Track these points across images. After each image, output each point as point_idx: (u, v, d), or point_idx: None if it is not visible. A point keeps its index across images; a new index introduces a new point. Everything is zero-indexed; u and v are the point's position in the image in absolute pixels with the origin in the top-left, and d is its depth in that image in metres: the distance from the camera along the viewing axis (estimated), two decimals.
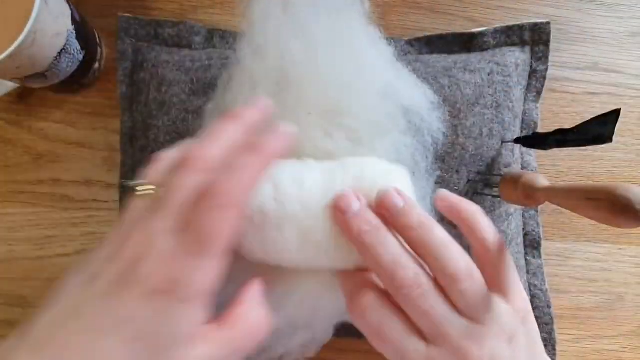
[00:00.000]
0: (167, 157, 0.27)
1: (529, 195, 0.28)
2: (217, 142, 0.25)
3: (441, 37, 0.39)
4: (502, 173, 0.34)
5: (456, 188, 0.34)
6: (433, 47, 0.39)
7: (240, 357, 0.25)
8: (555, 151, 0.39)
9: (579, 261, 0.39)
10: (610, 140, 0.27)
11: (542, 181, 0.28)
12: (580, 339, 0.39)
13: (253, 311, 0.25)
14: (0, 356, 0.23)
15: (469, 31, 0.39)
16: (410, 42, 0.39)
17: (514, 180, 0.29)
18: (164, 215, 0.24)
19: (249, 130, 0.26)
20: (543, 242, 0.38)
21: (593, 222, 0.39)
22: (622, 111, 0.27)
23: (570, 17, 0.41)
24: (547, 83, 0.40)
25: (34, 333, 0.23)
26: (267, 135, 0.25)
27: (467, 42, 0.39)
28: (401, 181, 0.27)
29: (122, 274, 0.23)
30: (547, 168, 0.40)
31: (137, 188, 0.25)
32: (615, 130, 0.27)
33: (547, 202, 0.29)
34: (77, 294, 0.24)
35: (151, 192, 0.25)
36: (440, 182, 0.34)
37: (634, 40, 0.41)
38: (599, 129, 0.27)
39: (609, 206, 0.22)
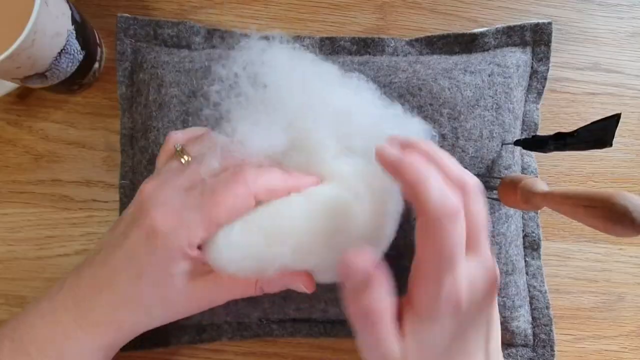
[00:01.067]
0: (208, 136, 0.31)
1: (528, 200, 0.28)
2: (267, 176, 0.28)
3: (442, 38, 0.39)
4: (502, 175, 0.34)
5: None
6: (434, 47, 0.39)
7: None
8: (556, 152, 0.40)
9: (579, 261, 0.39)
10: (610, 144, 0.27)
11: (541, 186, 0.28)
12: (580, 339, 0.39)
13: None
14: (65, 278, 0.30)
15: (470, 31, 0.39)
16: (410, 43, 0.39)
17: (513, 185, 0.29)
18: (185, 177, 0.28)
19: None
20: (543, 243, 0.38)
21: None
22: (624, 111, 0.27)
23: (571, 17, 0.41)
24: (548, 83, 0.40)
25: (83, 262, 0.30)
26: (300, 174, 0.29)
27: (468, 43, 0.39)
28: None
29: (132, 218, 0.28)
30: (547, 168, 0.40)
31: (184, 156, 0.30)
32: (617, 130, 0.27)
33: None
34: (109, 234, 0.30)
35: (187, 159, 0.30)
36: None
37: (634, 40, 0.41)
38: (599, 133, 0.27)
39: (606, 214, 0.22)
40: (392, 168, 0.25)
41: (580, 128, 0.28)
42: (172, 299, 0.29)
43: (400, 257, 0.28)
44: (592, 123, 0.27)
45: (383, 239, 0.29)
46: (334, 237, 0.27)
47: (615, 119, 0.26)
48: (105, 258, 0.29)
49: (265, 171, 0.28)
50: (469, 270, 0.25)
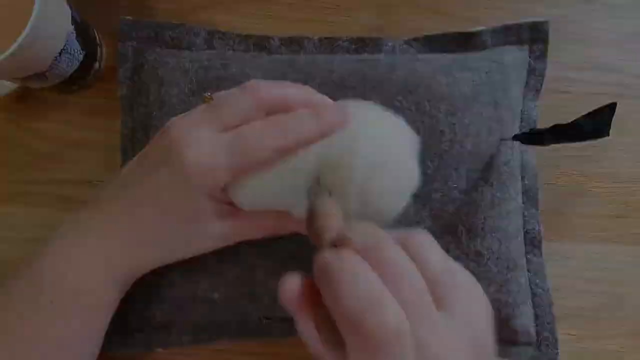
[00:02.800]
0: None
1: None
2: (279, 89, 0.29)
3: (439, 37, 0.39)
4: (501, 171, 0.34)
5: (455, 185, 0.34)
6: (431, 46, 0.39)
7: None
8: (556, 152, 0.40)
9: (580, 261, 0.39)
10: (608, 134, 0.26)
11: None
12: (582, 339, 0.39)
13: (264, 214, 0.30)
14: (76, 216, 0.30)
15: (468, 30, 0.39)
16: (408, 42, 0.39)
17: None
18: (209, 121, 0.28)
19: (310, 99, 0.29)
20: (544, 243, 0.38)
21: (593, 221, 0.39)
22: (623, 111, 0.26)
23: (571, 17, 0.41)
24: (548, 83, 0.40)
25: (101, 195, 0.30)
26: (329, 107, 0.28)
27: (465, 41, 0.39)
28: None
29: (163, 155, 0.28)
30: (549, 168, 0.40)
31: (207, 97, 0.30)
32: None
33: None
34: (132, 170, 0.30)
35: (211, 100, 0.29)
36: (440, 180, 0.34)
37: (635, 40, 0.41)
38: (595, 123, 0.27)
39: None
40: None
41: (577, 119, 0.28)
42: (195, 237, 0.30)
43: None
44: (588, 113, 0.27)
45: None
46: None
47: (610, 108, 0.26)
48: (132, 194, 0.29)
49: (296, 123, 0.28)
50: None
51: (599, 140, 0.31)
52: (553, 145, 0.34)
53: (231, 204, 0.30)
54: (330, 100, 0.30)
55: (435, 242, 0.25)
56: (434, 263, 0.23)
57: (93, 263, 0.29)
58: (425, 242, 0.24)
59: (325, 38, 0.39)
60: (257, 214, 0.31)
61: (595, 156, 0.40)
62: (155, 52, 0.37)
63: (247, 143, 0.27)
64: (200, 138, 0.27)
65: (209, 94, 0.30)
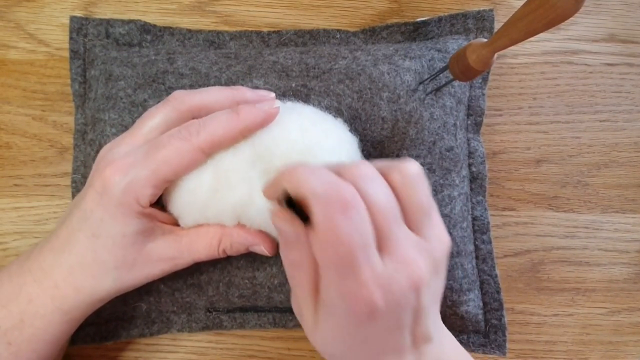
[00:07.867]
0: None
1: (480, 57, 0.28)
2: (201, 94, 0.30)
3: (386, 28, 0.39)
4: (444, 157, 0.35)
5: None
6: (378, 37, 0.40)
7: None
8: (576, 123, 0.39)
9: (609, 232, 0.39)
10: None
11: (483, 40, 0.29)
12: (615, 312, 0.38)
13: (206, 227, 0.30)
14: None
15: (413, 21, 0.39)
16: (356, 34, 0.40)
17: (462, 52, 0.29)
18: (131, 136, 0.29)
19: (238, 101, 0.30)
20: (571, 215, 0.38)
21: (620, 192, 0.39)
22: None
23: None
24: (563, 56, 0.40)
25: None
26: (249, 106, 0.29)
27: (411, 32, 0.39)
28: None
29: (91, 178, 0.29)
30: (568, 140, 0.40)
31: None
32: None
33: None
34: (74, 200, 0.31)
35: None
36: None
37: None
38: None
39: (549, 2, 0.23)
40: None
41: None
42: (130, 261, 0.29)
43: None
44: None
45: None
46: None
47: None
48: (65, 220, 0.29)
49: (209, 121, 0.28)
50: (384, 273, 0.23)
51: None
52: None
53: (177, 224, 0.31)
54: (270, 93, 0.31)
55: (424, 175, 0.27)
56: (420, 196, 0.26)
57: (37, 292, 0.28)
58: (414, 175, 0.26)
59: (273, 32, 0.40)
60: (201, 230, 0.30)
61: (617, 126, 0.40)
62: (105, 48, 0.38)
63: (158, 150, 0.27)
64: (118, 153, 0.28)
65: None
